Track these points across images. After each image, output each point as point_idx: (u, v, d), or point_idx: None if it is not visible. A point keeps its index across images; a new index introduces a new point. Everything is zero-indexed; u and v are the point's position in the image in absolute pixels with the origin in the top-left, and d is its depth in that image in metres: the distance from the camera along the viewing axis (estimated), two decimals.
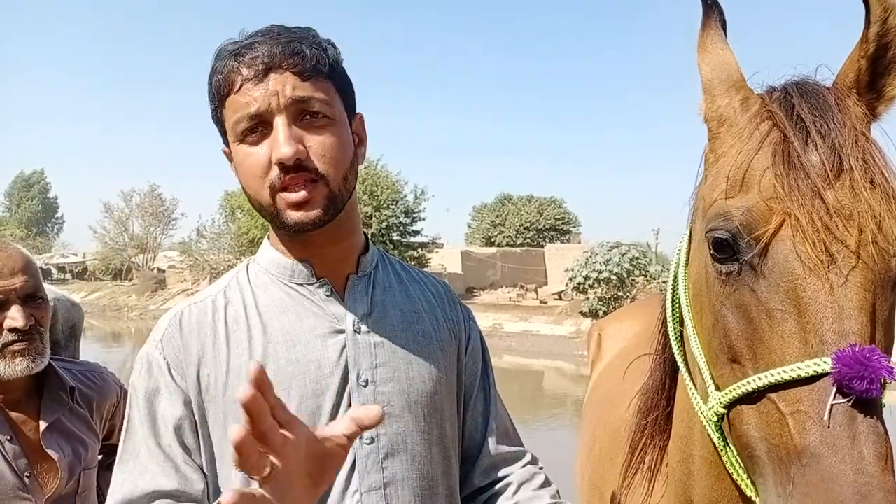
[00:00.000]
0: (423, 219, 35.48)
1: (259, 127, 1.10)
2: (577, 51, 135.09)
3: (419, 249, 35.34)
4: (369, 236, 1.33)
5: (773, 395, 0.87)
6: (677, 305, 1.18)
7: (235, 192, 38.03)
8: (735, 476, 1.01)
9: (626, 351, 2.50)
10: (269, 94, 1.08)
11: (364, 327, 1.20)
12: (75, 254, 52.27)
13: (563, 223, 54.81)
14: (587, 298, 24.42)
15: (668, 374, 1.31)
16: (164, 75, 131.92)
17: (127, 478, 1.09)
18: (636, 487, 1.43)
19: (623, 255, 24.21)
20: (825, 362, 0.82)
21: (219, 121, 1.18)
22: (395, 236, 34.11)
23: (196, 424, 1.13)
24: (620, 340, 2.72)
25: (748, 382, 0.90)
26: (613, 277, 23.81)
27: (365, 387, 1.17)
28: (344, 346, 1.18)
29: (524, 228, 53.47)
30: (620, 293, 23.66)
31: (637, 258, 24.65)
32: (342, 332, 1.19)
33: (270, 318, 1.18)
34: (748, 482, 0.97)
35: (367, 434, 1.14)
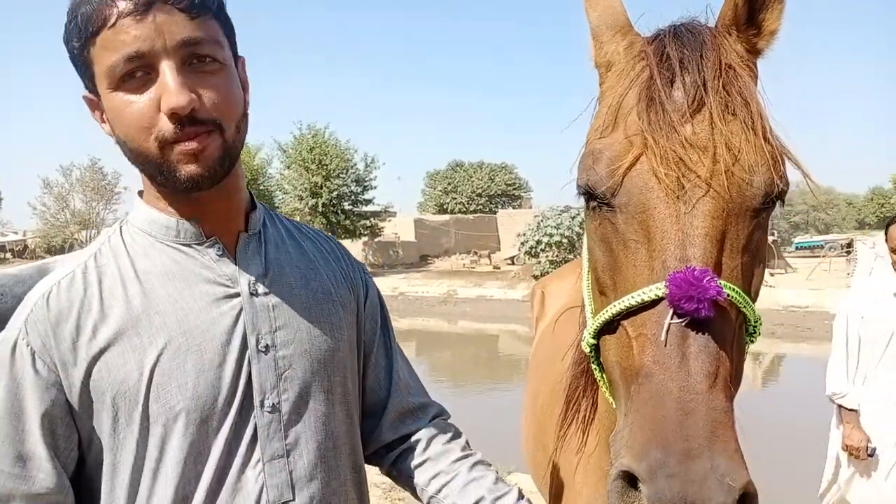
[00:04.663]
0: (375, 187, 35.23)
1: (140, 71, 0.97)
2: (527, 15, 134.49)
3: (371, 218, 35.09)
4: (254, 195, 1.24)
5: (625, 322, 0.91)
6: None
7: None
8: (612, 404, 1.02)
9: (568, 306, 2.49)
10: (153, 34, 0.95)
11: (261, 288, 1.12)
12: (15, 232, 50.32)
13: (514, 189, 55.20)
14: (539, 262, 24.69)
15: None
16: None
17: None
18: (571, 439, 1.42)
19: (573, 218, 24.47)
20: (662, 286, 0.85)
21: (83, 62, 1.01)
22: (347, 206, 33.77)
23: (70, 415, 1.02)
24: (563, 296, 2.71)
25: (605, 311, 0.94)
26: (564, 241, 24.10)
27: (266, 353, 1.09)
28: (240, 311, 1.09)
29: (476, 195, 53.69)
30: (571, 255, 23.95)
31: None
32: (237, 295, 1.10)
33: (154, 286, 1.06)
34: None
35: (268, 402, 1.08)
